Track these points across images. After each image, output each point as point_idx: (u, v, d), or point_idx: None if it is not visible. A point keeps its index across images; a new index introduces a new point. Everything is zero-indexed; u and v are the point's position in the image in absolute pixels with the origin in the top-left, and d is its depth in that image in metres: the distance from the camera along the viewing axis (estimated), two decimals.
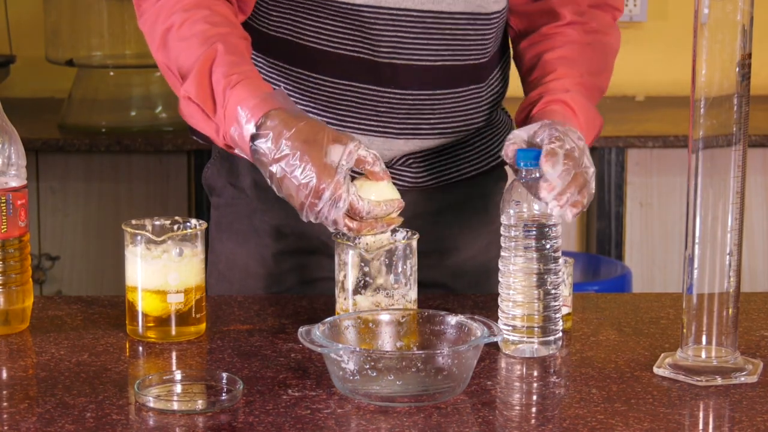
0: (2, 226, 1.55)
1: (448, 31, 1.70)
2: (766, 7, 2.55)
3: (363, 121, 1.73)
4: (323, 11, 1.68)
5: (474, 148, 1.84)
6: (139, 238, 1.54)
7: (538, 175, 1.48)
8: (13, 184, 1.55)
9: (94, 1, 3.23)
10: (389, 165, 1.77)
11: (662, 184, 3.39)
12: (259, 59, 1.75)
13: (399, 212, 1.51)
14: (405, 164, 1.78)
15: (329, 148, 1.46)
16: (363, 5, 1.66)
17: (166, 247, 1.53)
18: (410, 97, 1.73)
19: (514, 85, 1.86)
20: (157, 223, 1.57)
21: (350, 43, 1.70)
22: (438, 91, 1.75)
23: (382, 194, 1.49)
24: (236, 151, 1.53)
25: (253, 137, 1.48)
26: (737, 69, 1.37)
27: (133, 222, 1.56)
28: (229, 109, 1.51)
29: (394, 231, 1.55)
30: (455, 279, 1.84)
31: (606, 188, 3.33)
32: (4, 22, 3.57)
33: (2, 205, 1.54)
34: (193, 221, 1.57)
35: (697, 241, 1.41)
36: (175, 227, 1.57)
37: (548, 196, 1.48)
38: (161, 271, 1.53)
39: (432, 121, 1.77)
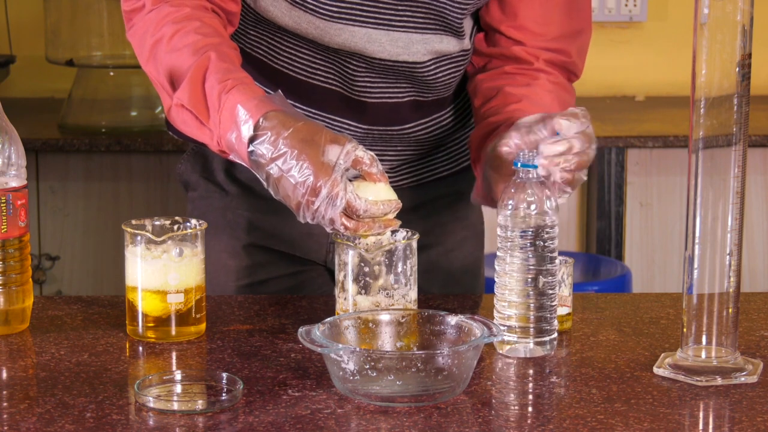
0: (2, 226, 1.55)
1: (418, 75, 1.73)
2: (766, 7, 2.55)
3: None
4: (299, 41, 1.69)
5: (447, 150, 1.86)
6: (139, 238, 1.54)
7: (534, 175, 1.48)
8: (13, 184, 1.55)
9: (94, 1, 3.23)
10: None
11: (662, 184, 3.39)
12: None
13: (396, 214, 1.51)
14: None
15: (327, 147, 1.46)
16: (339, 49, 1.68)
17: (166, 247, 1.53)
18: (377, 131, 1.76)
19: None
20: (157, 223, 1.57)
21: (323, 75, 1.72)
22: (405, 125, 1.78)
23: (379, 195, 1.49)
24: (231, 156, 1.53)
25: (252, 139, 1.48)
26: (737, 69, 1.37)
27: (133, 222, 1.56)
28: (225, 112, 1.50)
29: (394, 231, 1.55)
30: (428, 276, 1.84)
31: (606, 188, 3.33)
32: (4, 22, 3.57)
33: (2, 205, 1.54)
34: (193, 221, 1.57)
35: (697, 241, 1.41)
36: (175, 227, 1.57)
37: (546, 148, 1.49)
38: (161, 271, 1.53)
39: (398, 149, 1.80)
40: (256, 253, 1.82)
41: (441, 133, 1.82)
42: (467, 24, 1.73)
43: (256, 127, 1.48)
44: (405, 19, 1.66)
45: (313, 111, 1.74)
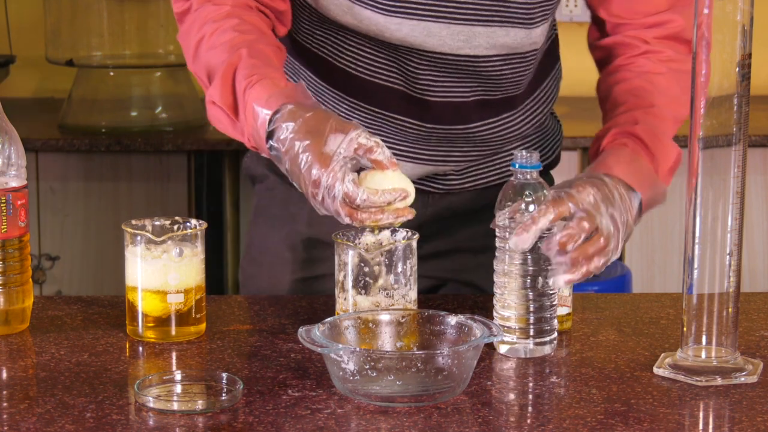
0: (2, 226, 1.55)
1: (483, 72, 1.70)
2: (766, 7, 2.55)
3: (393, 146, 1.74)
4: (363, 40, 1.68)
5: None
6: (139, 238, 1.54)
7: (532, 177, 1.47)
8: (13, 184, 1.55)
9: (94, 1, 3.23)
10: (421, 178, 1.77)
11: None
12: (301, 71, 1.76)
13: (408, 202, 1.46)
14: (439, 175, 1.78)
15: (329, 137, 1.44)
16: (400, 45, 1.66)
17: (166, 247, 1.53)
18: (441, 130, 1.74)
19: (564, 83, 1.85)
20: (157, 223, 1.57)
21: (386, 73, 1.70)
22: (470, 125, 1.74)
23: (383, 184, 1.45)
24: (263, 153, 1.53)
25: (269, 135, 1.48)
26: (737, 69, 1.37)
27: (133, 222, 1.56)
28: (250, 108, 1.50)
29: (394, 231, 1.55)
30: (488, 278, 1.83)
31: None
32: (4, 22, 3.57)
33: (2, 205, 1.54)
34: (193, 221, 1.57)
35: (697, 241, 1.41)
36: (175, 227, 1.57)
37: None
38: (161, 271, 1.53)
39: (464, 149, 1.77)
40: (315, 248, 1.81)
41: (509, 134, 1.78)
42: (539, 10, 1.67)
43: (270, 122, 1.48)
44: (467, 10, 1.63)
45: (376, 110, 1.73)
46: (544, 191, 1.48)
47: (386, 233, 1.55)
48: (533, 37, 1.69)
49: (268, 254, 1.84)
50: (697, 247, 1.41)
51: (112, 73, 3.31)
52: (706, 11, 1.36)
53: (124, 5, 3.22)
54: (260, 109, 1.49)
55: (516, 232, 1.45)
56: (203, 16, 1.62)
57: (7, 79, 3.49)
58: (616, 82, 1.68)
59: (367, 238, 1.54)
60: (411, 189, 1.47)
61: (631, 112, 1.63)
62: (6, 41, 3.56)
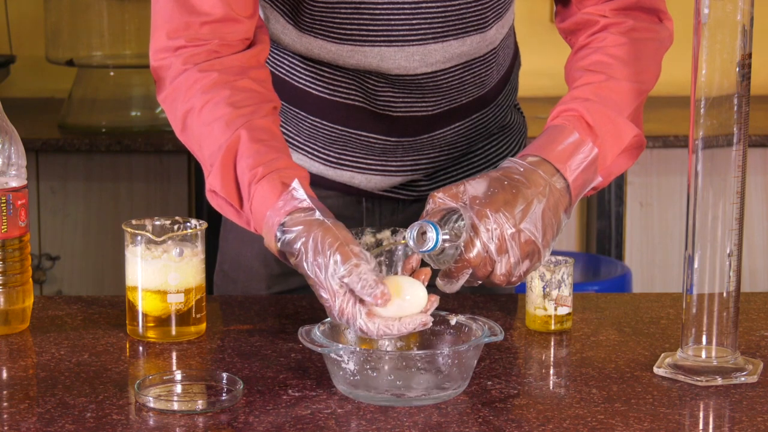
0: (2, 226, 1.55)
1: (443, 84, 1.67)
2: (766, 7, 2.55)
3: (360, 161, 1.73)
4: (318, 63, 1.65)
5: (485, 154, 1.81)
6: (139, 238, 1.54)
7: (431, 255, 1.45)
8: (13, 184, 1.55)
9: (94, 1, 3.23)
10: (392, 187, 1.77)
11: (662, 184, 3.39)
12: None
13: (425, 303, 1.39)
14: (410, 182, 1.78)
15: (331, 265, 1.35)
16: (354, 68, 1.64)
17: (166, 247, 1.54)
18: (407, 141, 1.72)
19: (524, 84, 1.83)
20: (157, 223, 1.57)
21: (345, 92, 1.67)
22: (436, 132, 1.73)
23: (403, 307, 1.36)
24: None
25: (280, 252, 1.42)
26: (737, 69, 1.37)
27: (133, 222, 1.56)
28: (256, 203, 1.44)
29: (394, 231, 1.55)
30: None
31: (606, 188, 3.33)
32: (4, 22, 3.57)
33: (2, 205, 1.54)
34: (193, 221, 1.57)
35: (697, 241, 1.41)
36: (175, 227, 1.57)
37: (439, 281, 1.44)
38: (161, 271, 1.53)
39: (432, 155, 1.75)
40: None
41: (478, 133, 1.76)
42: (491, 12, 1.63)
43: (279, 240, 1.41)
44: (421, 30, 1.60)
45: (339, 127, 1.70)
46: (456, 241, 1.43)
47: (386, 233, 1.55)
48: (488, 38, 1.66)
49: (241, 270, 1.81)
50: (697, 247, 1.41)
51: (112, 73, 3.31)
52: (706, 11, 1.36)
53: (124, 5, 3.22)
54: (268, 224, 1.42)
55: (440, 277, 1.43)
56: (188, 83, 1.51)
57: (7, 79, 3.49)
58: (576, 62, 1.60)
59: (367, 238, 1.54)
60: (423, 294, 1.40)
61: (581, 88, 1.54)
62: (6, 41, 3.56)
